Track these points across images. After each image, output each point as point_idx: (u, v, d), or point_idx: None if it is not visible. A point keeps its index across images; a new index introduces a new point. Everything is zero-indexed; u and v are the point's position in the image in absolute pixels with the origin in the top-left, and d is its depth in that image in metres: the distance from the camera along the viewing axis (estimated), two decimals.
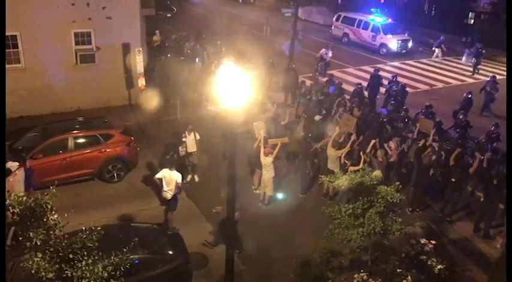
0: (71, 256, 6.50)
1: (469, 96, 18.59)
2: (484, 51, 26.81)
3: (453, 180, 12.39)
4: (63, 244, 6.58)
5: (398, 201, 9.25)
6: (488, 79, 20.88)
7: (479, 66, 26.67)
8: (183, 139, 13.44)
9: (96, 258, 6.53)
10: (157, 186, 13.14)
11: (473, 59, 26.62)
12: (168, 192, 11.25)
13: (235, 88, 6.74)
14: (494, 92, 19.82)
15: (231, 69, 6.81)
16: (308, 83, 19.82)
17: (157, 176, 11.28)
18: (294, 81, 19.86)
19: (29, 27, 16.15)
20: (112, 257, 6.60)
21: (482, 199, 12.50)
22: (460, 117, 16.03)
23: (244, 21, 36.01)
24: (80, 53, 17.41)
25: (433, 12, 40.08)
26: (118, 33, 17.77)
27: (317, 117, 15.25)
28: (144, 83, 17.87)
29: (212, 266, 10.66)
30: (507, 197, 10.90)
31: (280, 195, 13.14)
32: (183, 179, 13.37)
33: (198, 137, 13.54)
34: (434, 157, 12.86)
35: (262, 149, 12.56)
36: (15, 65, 16.44)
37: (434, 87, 23.94)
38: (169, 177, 11.20)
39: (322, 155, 13.75)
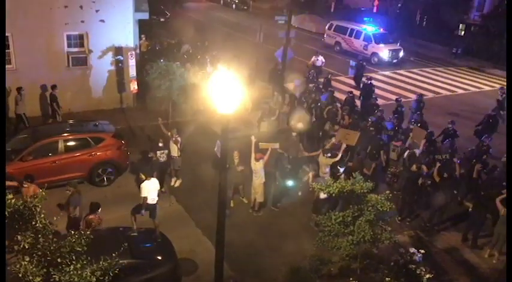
0: (59, 260, 6.45)
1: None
2: (365, 64, 25.00)
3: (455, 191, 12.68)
4: (52, 248, 6.52)
5: (388, 210, 9.30)
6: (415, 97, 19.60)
7: (363, 79, 23.56)
8: (160, 144, 13.40)
9: (85, 262, 6.47)
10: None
11: (354, 71, 24.69)
12: (154, 199, 11.18)
13: (227, 93, 6.76)
14: (414, 111, 18.31)
15: (223, 74, 6.83)
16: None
17: (143, 195, 11.00)
18: (279, 81, 20.17)
19: (21, 28, 16.04)
20: (101, 262, 6.55)
21: (470, 209, 12.62)
22: (449, 126, 16.17)
23: (238, 28, 36.15)
24: (72, 55, 17.35)
25: (424, 23, 40.56)
26: (111, 36, 17.74)
27: (300, 125, 15.20)
28: (136, 87, 17.83)
29: (201, 272, 10.61)
30: (507, 197, 11.00)
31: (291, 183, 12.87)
32: (162, 186, 13.28)
33: (179, 139, 13.47)
34: (421, 166, 12.99)
35: (252, 155, 12.56)
36: (6, 66, 16.32)
37: (425, 97, 24.04)
38: (153, 188, 11.14)
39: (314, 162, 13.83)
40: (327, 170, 12.75)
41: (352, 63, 24.54)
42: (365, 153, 14.25)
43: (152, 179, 11.19)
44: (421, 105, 18.66)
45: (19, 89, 15.64)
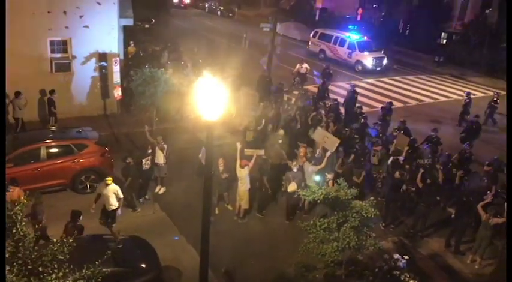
0: (40, 269, 6.31)
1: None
2: (331, 71, 24.52)
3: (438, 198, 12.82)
4: (33, 256, 6.39)
5: (372, 217, 9.37)
6: (384, 105, 19.42)
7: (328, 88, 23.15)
8: (149, 151, 13.32)
9: (67, 271, 6.36)
10: (129, 199, 13.03)
11: (319, 80, 23.95)
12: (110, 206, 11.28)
13: (212, 100, 6.74)
14: (388, 118, 18.60)
15: (208, 81, 6.82)
16: (285, 97, 20.00)
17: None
18: (267, 87, 20.40)
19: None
20: (83, 270, 6.45)
21: (453, 215, 12.77)
22: (432, 134, 16.37)
23: (223, 34, 36.21)
24: (55, 61, 17.19)
25: (407, 31, 41.11)
26: (95, 42, 17.62)
27: (281, 132, 15.28)
28: (120, 93, 17.71)
29: (186, 280, 10.53)
30: (507, 197, 11.13)
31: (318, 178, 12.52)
32: (146, 193, 13.45)
33: (165, 146, 13.42)
34: (405, 174, 13.11)
35: (238, 161, 12.55)
36: None
37: (408, 105, 24.43)
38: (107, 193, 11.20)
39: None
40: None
41: (317, 73, 24.08)
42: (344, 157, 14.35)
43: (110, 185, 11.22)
44: (391, 113, 18.79)
45: (17, 94, 15.77)
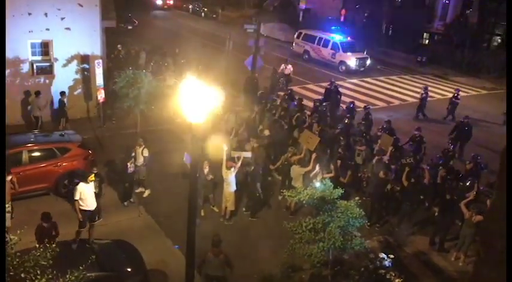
0: (22, 275, 6.21)
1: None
2: (278, 76, 23.55)
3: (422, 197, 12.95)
4: (15, 263, 6.29)
5: (357, 216, 9.42)
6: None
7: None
8: (133, 154, 13.24)
9: (50, 276, 6.27)
10: (114, 203, 12.91)
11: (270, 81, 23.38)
12: (93, 204, 11.08)
13: (198, 102, 6.70)
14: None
15: (193, 83, 6.78)
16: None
17: (76, 197, 10.82)
18: (255, 86, 20.48)
19: None
20: (67, 275, 6.36)
21: (436, 213, 12.90)
22: (416, 133, 16.52)
23: (207, 36, 36.13)
24: (36, 63, 16.96)
25: (390, 32, 41.49)
26: (77, 44, 17.45)
27: (266, 133, 15.32)
28: (103, 96, 17.53)
29: None
30: (507, 197, 11.21)
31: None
32: (130, 196, 13.40)
33: (146, 153, 13.34)
34: (389, 173, 13.21)
35: (224, 163, 12.52)
36: None
37: (392, 104, 24.66)
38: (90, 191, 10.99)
39: (283, 170, 13.88)
40: (300, 179, 12.90)
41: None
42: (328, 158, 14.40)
43: (89, 183, 11.03)
44: (354, 114, 18.89)
45: (37, 93, 16.13)
